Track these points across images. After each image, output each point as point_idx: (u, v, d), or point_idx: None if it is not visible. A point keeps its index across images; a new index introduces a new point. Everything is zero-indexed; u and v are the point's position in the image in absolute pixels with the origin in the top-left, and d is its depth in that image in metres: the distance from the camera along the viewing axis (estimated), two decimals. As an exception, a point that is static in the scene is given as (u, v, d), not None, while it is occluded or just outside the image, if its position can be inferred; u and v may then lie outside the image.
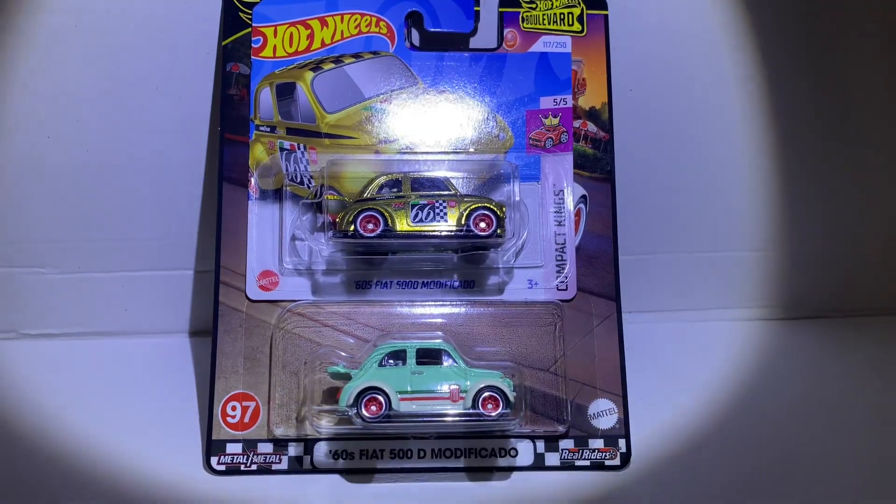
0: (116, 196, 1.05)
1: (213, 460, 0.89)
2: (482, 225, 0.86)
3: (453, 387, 0.82)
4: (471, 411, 0.81)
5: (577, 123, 0.98)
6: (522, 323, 0.93)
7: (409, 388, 0.82)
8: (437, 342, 0.85)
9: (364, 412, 0.81)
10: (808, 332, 1.14)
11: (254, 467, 0.89)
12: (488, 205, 0.87)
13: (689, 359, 1.07)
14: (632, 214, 1.03)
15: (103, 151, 1.04)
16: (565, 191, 0.96)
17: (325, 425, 0.85)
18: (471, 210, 0.86)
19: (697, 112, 1.08)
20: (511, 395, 0.82)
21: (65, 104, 1.02)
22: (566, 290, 0.95)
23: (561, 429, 0.91)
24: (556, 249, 0.95)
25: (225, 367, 0.91)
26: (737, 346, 1.11)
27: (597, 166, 0.97)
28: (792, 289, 1.15)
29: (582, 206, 0.97)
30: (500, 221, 0.86)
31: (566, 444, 0.91)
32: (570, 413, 0.91)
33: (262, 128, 0.95)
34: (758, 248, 1.13)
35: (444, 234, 0.85)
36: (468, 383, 0.83)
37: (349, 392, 0.82)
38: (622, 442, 0.92)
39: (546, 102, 0.98)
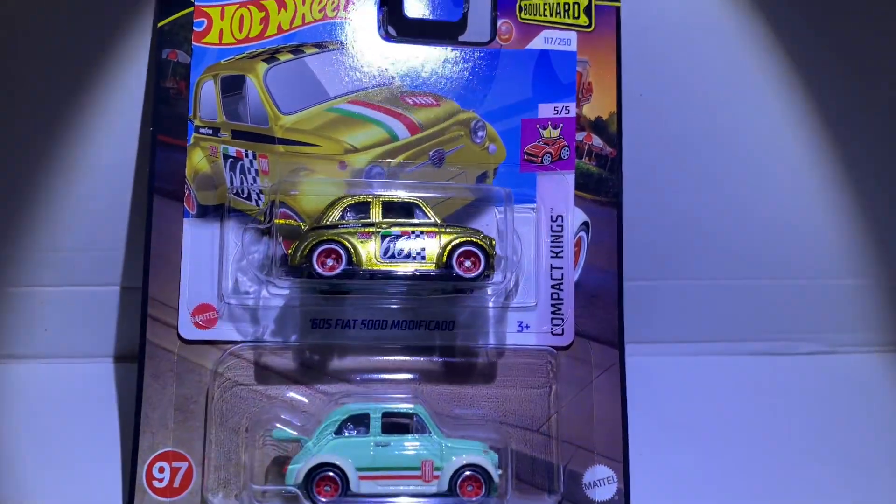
0: (34, 201, 0.87)
1: (134, 534, 0.74)
2: (467, 264, 0.70)
3: (426, 463, 0.67)
4: (446, 497, 0.66)
5: (580, 136, 0.82)
6: (509, 374, 0.79)
7: (371, 464, 0.67)
8: (406, 406, 0.70)
9: (316, 495, 0.65)
10: (848, 367, 1.00)
11: (183, 543, 0.74)
12: (475, 238, 0.71)
13: (700, 402, 0.93)
14: (639, 240, 0.87)
15: (18, 150, 0.86)
16: (565, 216, 0.81)
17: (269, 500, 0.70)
18: (454, 245, 0.70)
19: (720, 125, 0.93)
20: (496, 476, 0.68)
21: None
22: (562, 334, 0.80)
23: (550, 501, 0.76)
24: (552, 286, 0.80)
25: (152, 420, 0.76)
26: (755, 383, 0.96)
27: (602, 188, 0.82)
28: (824, 320, 1.01)
29: (583, 234, 0.82)
30: (490, 260, 0.70)
31: (557, 517, 0.77)
32: (561, 482, 0.77)
33: (202, 129, 0.78)
34: (781, 276, 0.98)
35: (419, 274, 0.69)
36: (444, 459, 0.68)
37: (298, 469, 0.67)
38: (621, 516, 0.78)
39: (545, 110, 0.82)
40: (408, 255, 0.70)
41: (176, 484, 0.75)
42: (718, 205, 0.94)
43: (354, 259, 0.70)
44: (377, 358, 0.78)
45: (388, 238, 0.70)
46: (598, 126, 0.83)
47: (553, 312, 0.81)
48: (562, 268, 0.81)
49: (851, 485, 0.84)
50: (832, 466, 0.86)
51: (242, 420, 0.75)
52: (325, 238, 0.70)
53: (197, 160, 0.79)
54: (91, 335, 0.91)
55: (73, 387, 0.87)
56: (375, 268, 0.70)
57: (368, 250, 0.70)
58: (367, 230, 0.72)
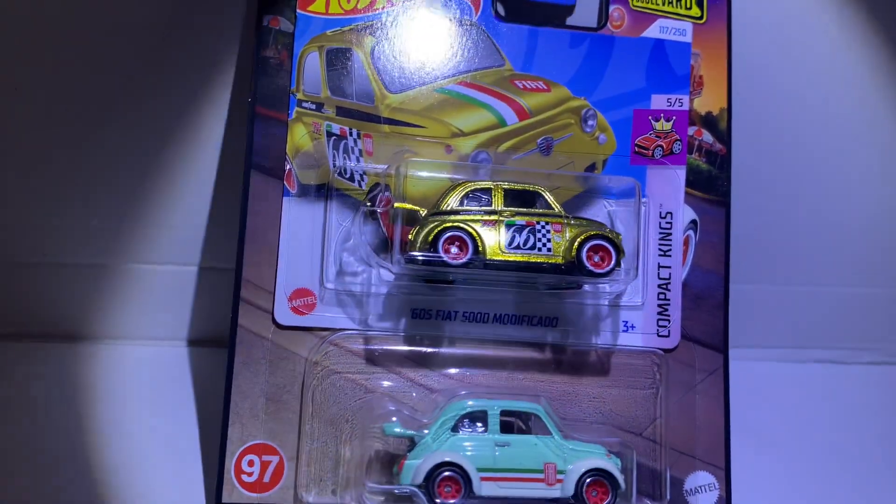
0: (109, 175, 0.82)
1: (223, 530, 0.69)
2: (596, 259, 0.66)
3: (549, 465, 0.64)
4: (571, 502, 0.63)
5: (690, 131, 0.79)
6: (613, 375, 0.75)
7: (492, 465, 0.63)
8: (525, 403, 0.66)
9: (438, 496, 0.61)
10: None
11: (274, 540, 0.70)
12: (604, 232, 0.68)
13: (803, 409, 0.90)
14: (746, 242, 0.84)
15: (109, 123, 0.80)
16: (675, 214, 0.78)
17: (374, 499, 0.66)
18: (583, 238, 0.67)
19: (831, 124, 0.90)
20: (621, 481, 0.64)
21: (37, 58, 0.78)
22: (668, 336, 0.77)
23: (655, 508, 0.73)
24: (660, 286, 0.77)
25: (242, 410, 0.71)
26: (861, 393, 0.93)
27: (711, 186, 0.79)
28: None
29: (691, 232, 0.79)
30: (619, 255, 0.67)
31: (659, 525, 0.74)
32: (667, 488, 0.74)
33: (305, 104, 0.74)
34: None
35: (548, 267, 0.65)
36: (567, 462, 0.64)
37: (416, 466, 0.62)
38: (724, 526, 0.75)
39: (658, 102, 0.79)
40: (533, 247, 0.66)
41: (266, 479, 0.71)
42: (826, 207, 0.91)
43: (480, 249, 0.66)
44: (478, 352, 0.74)
45: (513, 228, 0.66)
46: (708, 121, 0.80)
47: (660, 313, 0.77)
48: (669, 267, 0.78)
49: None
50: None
51: (343, 412, 0.70)
52: (450, 224, 0.66)
53: (299, 136, 0.74)
54: (174, 317, 0.85)
55: (153, 371, 0.82)
56: (500, 258, 0.66)
57: (493, 240, 0.66)
58: (490, 218, 0.68)
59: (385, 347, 0.72)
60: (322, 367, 0.72)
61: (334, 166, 0.74)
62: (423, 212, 0.69)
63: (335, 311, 0.73)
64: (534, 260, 0.66)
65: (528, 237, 0.67)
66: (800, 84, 0.88)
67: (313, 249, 0.73)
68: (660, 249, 0.78)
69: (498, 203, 0.69)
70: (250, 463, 0.71)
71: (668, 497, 0.74)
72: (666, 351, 0.77)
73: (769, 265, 0.91)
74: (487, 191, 0.69)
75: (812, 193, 0.91)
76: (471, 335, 0.74)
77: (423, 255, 0.64)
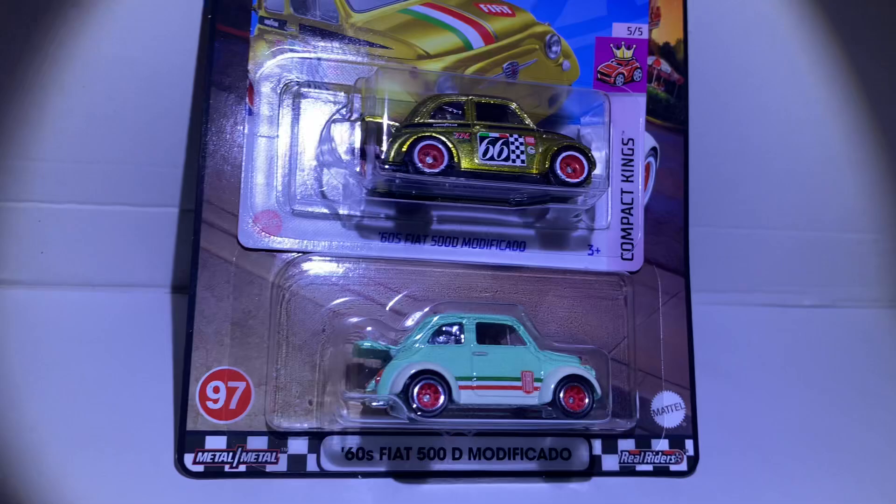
0: (72, 101, 0.77)
1: (188, 458, 0.66)
2: (569, 170, 0.67)
3: (526, 373, 0.64)
4: (549, 408, 0.63)
5: (649, 60, 0.81)
6: (580, 297, 0.76)
7: (469, 373, 0.63)
8: (501, 315, 0.66)
9: (418, 404, 0.60)
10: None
11: (242, 468, 0.67)
12: (576, 144, 0.68)
13: (767, 345, 0.93)
14: (703, 178, 0.86)
15: (56, 45, 0.75)
16: (636, 140, 0.79)
17: (351, 416, 0.64)
18: (556, 150, 0.67)
19: (791, 61, 0.92)
20: (597, 386, 0.65)
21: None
22: (632, 259, 0.78)
23: (624, 425, 0.74)
24: (623, 210, 0.78)
25: (206, 335, 0.68)
26: (822, 333, 0.96)
27: (670, 114, 0.81)
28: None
29: (651, 159, 0.80)
30: (592, 166, 0.67)
31: (626, 444, 0.75)
32: (635, 408, 0.75)
33: (267, 21, 0.72)
34: (852, 229, 0.98)
35: (522, 176, 0.65)
36: (544, 370, 0.64)
37: (395, 374, 0.61)
38: (689, 443, 0.77)
39: (619, 30, 0.80)
40: (507, 158, 0.66)
41: (233, 405, 0.68)
42: (783, 145, 0.93)
43: (455, 158, 0.65)
44: (450, 272, 0.73)
45: (487, 140, 0.66)
46: (666, 51, 0.82)
47: (623, 237, 0.78)
48: (632, 192, 0.79)
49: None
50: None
51: (312, 334, 0.68)
52: (425, 134, 0.65)
53: (262, 54, 0.72)
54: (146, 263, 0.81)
55: (121, 319, 0.78)
56: (476, 168, 0.65)
57: (467, 150, 0.66)
58: (464, 130, 0.67)
59: (353, 271, 0.71)
60: (289, 290, 0.70)
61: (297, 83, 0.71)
62: (396, 125, 0.67)
63: (302, 232, 0.71)
64: (508, 170, 0.66)
65: (502, 149, 0.66)
66: (755, 22, 0.91)
67: (279, 169, 0.71)
68: (622, 175, 0.79)
69: (471, 116, 0.69)
70: (216, 389, 0.68)
71: (637, 415, 0.75)
72: (630, 273, 0.78)
73: (717, 207, 0.93)
74: (460, 104, 0.69)
75: (761, 133, 0.94)
76: (440, 259, 0.74)
77: (394, 165, 0.63)
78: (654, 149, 0.81)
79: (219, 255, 0.70)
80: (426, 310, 0.68)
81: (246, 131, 0.71)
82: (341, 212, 0.72)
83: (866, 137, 0.95)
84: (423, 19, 0.75)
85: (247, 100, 0.71)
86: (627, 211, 0.79)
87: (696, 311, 0.79)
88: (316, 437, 0.69)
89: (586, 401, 0.64)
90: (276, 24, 0.72)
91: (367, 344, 0.64)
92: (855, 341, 0.95)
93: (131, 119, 0.77)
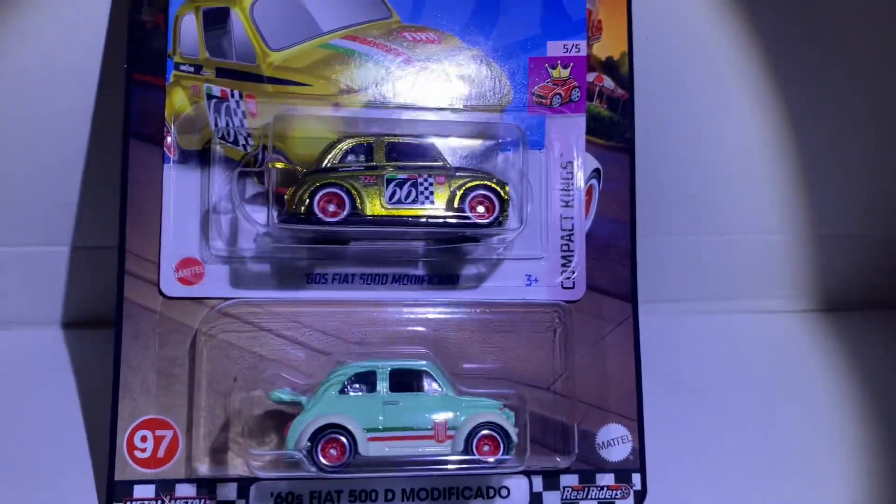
0: None
1: (116, 509, 0.67)
2: (481, 209, 0.64)
3: (439, 422, 0.62)
4: (462, 457, 0.61)
5: (590, 77, 0.77)
6: (517, 330, 0.74)
7: (380, 425, 0.62)
8: (416, 362, 0.64)
9: (321, 458, 0.60)
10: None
11: (171, 516, 0.68)
12: (488, 182, 0.66)
13: (716, 362, 0.89)
14: (651, 191, 0.82)
15: None
16: (575, 163, 0.76)
17: (266, 469, 0.64)
18: (466, 189, 0.65)
19: (736, 66, 0.88)
20: (513, 434, 0.63)
21: None
22: (573, 288, 0.75)
23: (563, 462, 0.72)
24: (563, 237, 0.75)
25: (132, 385, 0.69)
26: (774, 343, 0.92)
27: (613, 132, 0.77)
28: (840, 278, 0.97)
29: (594, 182, 0.77)
30: (504, 205, 0.65)
31: (569, 480, 0.73)
32: (575, 442, 0.72)
33: (183, 67, 0.71)
34: (784, 231, 0.94)
35: (430, 220, 0.63)
36: (459, 417, 0.63)
37: (301, 429, 0.61)
38: (636, 477, 0.74)
39: (554, 48, 0.77)
40: (415, 200, 0.64)
41: (161, 454, 0.69)
42: (729, 153, 0.89)
43: (359, 204, 0.63)
44: (377, 312, 0.72)
45: (395, 182, 0.64)
46: (609, 66, 0.78)
47: (563, 265, 0.76)
48: (572, 217, 0.76)
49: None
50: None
51: (233, 378, 0.68)
52: (327, 181, 0.63)
53: (178, 101, 0.71)
54: (47, 300, 0.83)
55: (28, 356, 0.79)
56: (381, 214, 0.64)
57: (373, 195, 0.64)
58: (371, 174, 0.65)
59: (275, 315, 0.70)
60: (212, 337, 0.70)
61: (216, 129, 0.71)
62: (302, 170, 0.66)
63: (224, 279, 0.71)
64: (415, 213, 0.64)
65: (410, 190, 0.64)
66: (703, 26, 0.86)
67: (198, 217, 0.71)
68: (562, 200, 0.76)
69: (380, 157, 0.67)
70: (143, 438, 0.69)
71: (577, 451, 0.73)
72: (571, 303, 0.75)
73: (671, 215, 0.89)
74: (369, 145, 0.67)
75: (714, 139, 0.89)
76: (368, 298, 0.72)
77: (297, 215, 0.62)
78: (596, 170, 0.78)
79: (142, 305, 0.70)
80: (338, 357, 0.67)
81: (165, 179, 0.71)
82: (263, 256, 0.71)
83: (811, 145, 0.90)
84: (344, 53, 0.74)
85: (165, 148, 0.71)
86: (567, 238, 0.76)
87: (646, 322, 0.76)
88: (245, 483, 0.69)
89: (501, 449, 0.62)
90: (192, 70, 0.72)
91: (277, 395, 0.63)
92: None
93: (21, 159, 0.77)
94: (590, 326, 0.76)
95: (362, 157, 0.67)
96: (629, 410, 0.76)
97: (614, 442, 0.75)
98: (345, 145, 0.67)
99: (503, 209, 0.66)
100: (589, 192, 0.77)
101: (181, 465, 0.69)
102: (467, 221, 0.65)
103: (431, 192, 0.65)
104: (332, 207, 0.63)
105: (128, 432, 0.69)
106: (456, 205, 0.65)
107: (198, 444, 0.69)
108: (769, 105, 0.89)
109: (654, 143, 0.82)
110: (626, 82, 0.78)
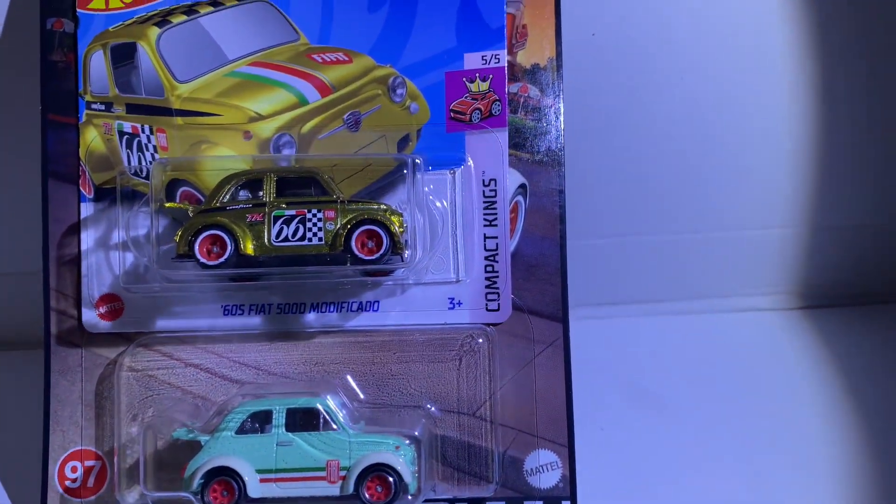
0: None
1: (49, 537, 0.71)
2: (370, 245, 0.63)
3: (332, 462, 0.62)
4: (351, 500, 0.61)
5: (514, 88, 0.73)
6: (439, 355, 0.72)
7: (272, 466, 0.62)
8: (311, 399, 0.64)
9: (210, 501, 0.60)
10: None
11: (101, 543, 0.71)
12: (377, 215, 0.64)
13: (651, 369, 0.85)
14: (584, 199, 0.78)
15: None
16: (498, 180, 0.73)
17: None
18: (352, 225, 0.63)
19: (684, 62, 0.82)
20: (407, 475, 0.62)
21: None
22: (498, 310, 0.73)
23: (487, 490, 0.71)
24: (486, 258, 0.73)
25: (61, 418, 0.72)
26: (745, 343, 0.87)
27: (540, 145, 0.73)
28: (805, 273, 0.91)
29: (520, 198, 0.74)
30: (394, 239, 0.63)
31: (496, 508, 0.72)
32: (499, 469, 0.71)
33: (94, 105, 0.72)
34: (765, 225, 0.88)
35: (315, 258, 0.62)
36: (351, 458, 0.62)
37: (193, 471, 0.62)
38: (566, 505, 0.72)
39: (472, 61, 0.73)
40: (303, 237, 0.63)
41: (90, 483, 0.72)
42: (676, 154, 0.84)
43: (242, 245, 0.63)
44: (292, 344, 0.72)
45: (282, 219, 0.63)
46: (535, 74, 0.74)
47: (488, 286, 0.73)
48: (496, 237, 0.73)
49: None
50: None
51: (145, 416, 0.70)
52: (208, 223, 0.63)
53: (90, 139, 0.73)
54: None
55: None
56: (266, 253, 0.63)
57: (259, 234, 0.63)
58: (258, 211, 0.65)
59: (194, 347, 0.71)
60: (134, 370, 0.72)
61: (128, 165, 0.72)
62: (192, 210, 0.66)
63: (143, 313, 0.72)
64: (301, 252, 0.63)
65: (298, 227, 0.63)
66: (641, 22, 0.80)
67: (114, 253, 0.72)
68: (485, 219, 0.74)
69: (270, 193, 0.66)
70: (73, 469, 0.71)
71: (497, 479, 0.71)
72: (496, 325, 0.73)
73: (608, 216, 0.84)
74: (258, 181, 0.66)
75: (687, 134, 0.84)
76: (286, 328, 0.72)
77: (178, 259, 0.62)
78: (522, 186, 0.74)
79: (68, 341, 0.72)
80: (243, 392, 0.68)
81: (82, 217, 0.72)
82: (180, 290, 0.72)
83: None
84: (251, 79, 0.73)
85: (80, 186, 0.72)
86: (492, 258, 0.74)
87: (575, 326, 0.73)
88: (171, 510, 0.71)
89: (392, 492, 0.61)
90: (102, 107, 0.73)
91: (178, 433, 0.64)
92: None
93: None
94: (517, 349, 0.73)
95: (253, 193, 0.66)
96: (559, 436, 0.73)
97: (543, 469, 0.73)
98: (234, 181, 0.66)
99: (394, 245, 0.64)
100: (514, 209, 0.74)
101: (109, 493, 0.72)
102: (353, 258, 0.63)
103: (320, 228, 0.64)
104: (216, 249, 0.63)
105: (59, 463, 0.72)
106: (342, 241, 0.63)
107: (118, 473, 0.71)
108: (740, 98, 0.83)
109: (604, 143, 0.78)
110: (555, 90, 0.74)
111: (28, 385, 0.74)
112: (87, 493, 0.72)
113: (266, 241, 0.63)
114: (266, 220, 0.64)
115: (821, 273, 0.92)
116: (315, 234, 0.64)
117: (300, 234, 0.63)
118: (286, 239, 0.63)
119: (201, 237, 0.63)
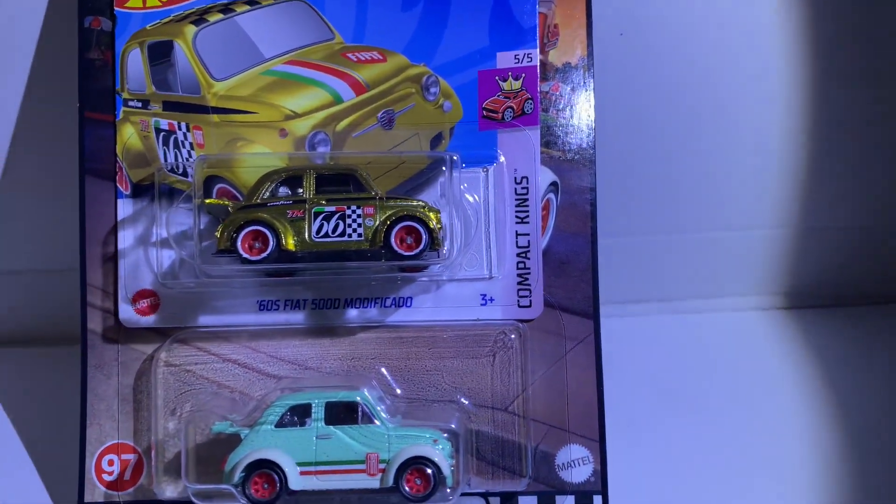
0: None
1: (86, 529, 0.71)
2: (409, 241, 0.63)
3: (371, 455, 0.63)
4: (391, 492, 0.61)
5: (546, 87, 0.74)
6: (473, 351, 0.73)
7: (312, 458, 0.62)
8: (350, 393, 0.65)
9: (252, 494, 0.61)
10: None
11: (139, 537, 0.71)
12: (415, 212, 0.64)
13: (683, 368, 0.86)
14: (615, 198, 0.79)
15: None
16: (530, 177, 0.74)
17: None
18: (391, 221, 0.64)
19: (710, 64, 0.82)
20: (446, 468, 0.62)
21: None
22: (530, 306, 0.74)
23: (520, 485, 0.71)
24: (518, 255, 0.74)
25: (98, 412, 0.73)
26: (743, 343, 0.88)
27: (572, 143, 0.74)
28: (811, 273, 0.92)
29: (552, 196, 0.75)
30: (433, 235, 0.64)
31: (527, 502, 0.72)
32: (531, 463, 0.72)
33: (131, 102, 0.73)
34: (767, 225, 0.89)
35: (356, 253, 0.63)
36: (391, 451, 0.63)
37: (235, 464, 0.62)
38: (597, 499, 0.73)
39: (505, 60, 0.74)
40: (343, 234, 0.64)
41: (127, 476, 0.72)
42: (702, 153, 0.85)
43: (283, 241, 0.64)
44: (329, 340, 0.73)
45: (322, 215, 0.64)
46: (567, 73, 0.75)
47: (520, 283, 0.74)
48: (528, 234, 0.74)
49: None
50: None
51: (183, 410, 0.71)
52: (250, 219, 0.64)
53: (127, 136, 0.73)
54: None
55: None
56: (307, 249, 0.64)
57: (300, 230, 0.64)
58: (299, 207, 0.65)
59: (230, 343, 0.72)
60: (170, 365, 0.72)
61: (164, 162, 0.72)
62: (233, 206, 0.67)
63: (179, 309, 0.73)
64: (341, 248, 0.64)
65: (338, 224, 0.64)
66: (675, 18, 0.81)
67: (151, 249, 0.73)
68: (517, 216, 0.74)
69: (309, 190, 0.67)
70: (110, 462, 0.72)
71: (530, 473, 0.72)
72: (528, 321, 0.74)
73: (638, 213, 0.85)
74: (298, 178, 0.67)
75: (684, 138, 0.84)
76: (321, 323, 0.73)
77: (225, 253, 0.63)
78: (553, 183, 0.75)
79: (104, 336, 0.73)
80: (282, 386, 0.68)
81: (119, 213, 0.73)
82: (217, 285, 0.73)
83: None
84: (287, 78, 0.74)
85: (117, 183, 0.73)
86: (523, 255, 0.74)
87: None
88: (209, 504, 0.72)
89: (431, 484, 0.62)
90: (139, 105, 0.73)
91: (218, 427, 0.65)
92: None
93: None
94: (549, 345, 0.74)
95: (293, 190, 0.67)
96: (590, 431, 0.74)
97: (575, 463, 0.74)
98: (274, 178, 0.67)
99: (432, 240, 0.64)
100: (546, 206, 0.75)
101: (146, 487, 0.72)
102: (393, 254, 0.64)
103: (360, 224, 0.65)
104: (258, 244, 0.64)
105: (95, 456, 0.73)
106: (382, 237, 0.64)
107: (156, 467, 0.71)
108: (742, 102, 0.83)
109: (634, 141, 0.79)
110: (586, 88, 0.75)
111: (66, 380, 0.75)
112: (124, 486, 0.72)
113: (307, 236, 0.64)
114: (307, 216, 0.65)
115: (821, 273, 0.93)
116: (355, 231, 0.64)
117: (340, 230, 0.64)
118: (326, 235, 0.64)
119: (244, 233, 0.64)
